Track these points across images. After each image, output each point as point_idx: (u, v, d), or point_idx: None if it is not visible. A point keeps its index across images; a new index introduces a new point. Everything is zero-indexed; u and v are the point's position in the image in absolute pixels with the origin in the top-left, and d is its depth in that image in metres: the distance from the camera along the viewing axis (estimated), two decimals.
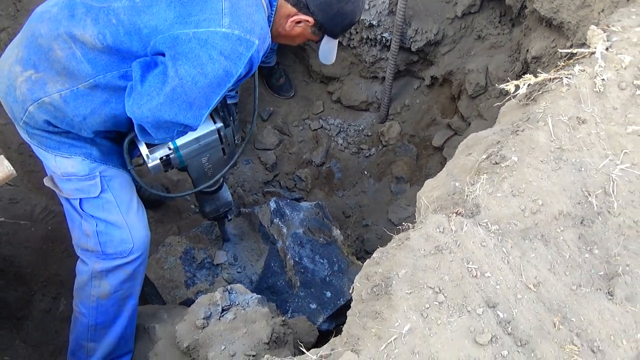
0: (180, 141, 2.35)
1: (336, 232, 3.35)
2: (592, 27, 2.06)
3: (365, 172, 4.18)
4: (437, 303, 1.50)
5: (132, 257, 2.48)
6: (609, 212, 1.67)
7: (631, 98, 1.85)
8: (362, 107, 4.30)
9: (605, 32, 2.02)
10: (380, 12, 3.77)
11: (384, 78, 4.02)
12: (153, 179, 3.66)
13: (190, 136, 2.34)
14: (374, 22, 3.79)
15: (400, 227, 1.79)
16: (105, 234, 2.42)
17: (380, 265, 1.62)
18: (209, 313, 2.35)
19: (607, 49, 1.97)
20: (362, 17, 3.76)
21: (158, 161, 2.36)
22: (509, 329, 1.48)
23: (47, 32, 2.10)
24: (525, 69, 3.31)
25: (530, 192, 1.69)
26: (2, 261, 3.15)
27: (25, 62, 2.15)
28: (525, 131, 1.81)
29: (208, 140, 2.42)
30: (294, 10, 2.26)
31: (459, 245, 1.59)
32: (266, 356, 1.61)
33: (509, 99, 2.07)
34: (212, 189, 2.76)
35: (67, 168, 2.31)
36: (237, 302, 2.42)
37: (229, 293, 2.45)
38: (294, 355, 2.34)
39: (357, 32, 3.90)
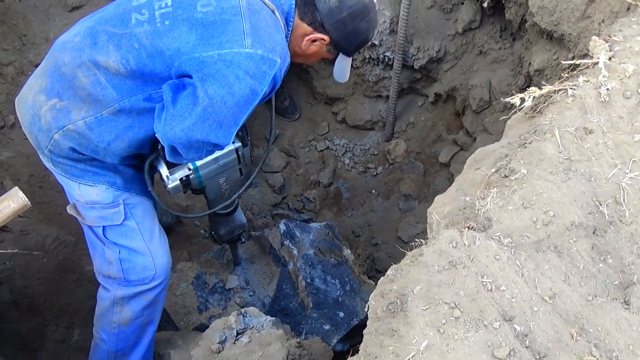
0: (199, 162, 2.36)
1: (347, 252, 3.34)
2: (594, 37, 2.06)
3: (373, 191, 4.18)
4: (454, 318, 1.50)
5: (154, 283, 2.50)
6: (620, 221, 1.66)
7: (637, 106, 1.86)
8: (367, 126, 4.31)
9: (607, 42, 2.03)
10: (381, 32, 3.79)
11: (387, 97, 4.04)
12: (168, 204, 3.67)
13: (209, 156, 2.35)
14: (376, 42, 3.82)
15: (411, 244, 1.78)
16: (128, 260, 2.44)
17: (394, 282, 1.61)
18: (224, 337, 2.35)
19: (609, 58, 1.97)
20: None
21: (178, 182, 2.37)
22: (527, 342, 1.47)
23: (70, 61, 2.14)
24: (529, 82, 3.31)
25: (541, 204, 1.68)
26: (15, 292, 3.15)
27: (49, 91, 2.18)
28: (533, 143, 1.81)
29: (227, 160, 2.43)
30: (309, 29, 2.30)
31: (472, 259, 1.59)
32: None
33: (515, 112, 2.08)
34: (228, 210, 2.77)
35: (91, 196, 2.32)
36: (251, 325, 2.42)
37: (243, 316, 2.44)
38: None
39: (359, 52, 3.92)
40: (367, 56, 3.93)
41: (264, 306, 3.14)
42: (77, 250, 3.34)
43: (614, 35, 2.05)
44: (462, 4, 3.78)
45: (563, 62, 2.16)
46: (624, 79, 1.91)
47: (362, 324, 1.77)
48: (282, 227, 3.30)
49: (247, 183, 2.58)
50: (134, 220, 2.42)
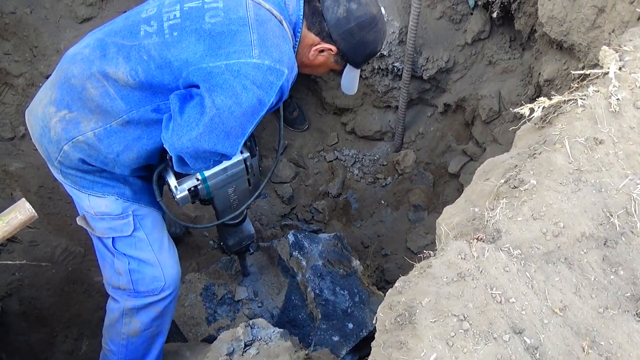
0: (208, 172, 2.36)
1: (355, 263, 3.33)
2: (604, 47, 2.05)
3: (382, 202, 4.17)
4: (463, 331, 1.48)
5: (164, 294, 2.49)
6: (632, 232, 1.65)
7: None
8: (376, 136, 4.31)
9: (617, 52, 2.02)
10: (390, 42, 3.80)
11: (397, 107, 4.04)
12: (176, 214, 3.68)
13: (217, 166, 2.36)
14: (385, 52, 3.82)
15: (420, 255, 1.77)
16: (137, 271, 2.44)
17: (403, 294, 1.60)
18: (232, 349, 2.34)
19: (620, 68, 1.96)
20: None
21: (186, 192, 2.37)
22: (537, 355, 1.45)
23: (79, 73, 2.15)
24: (538, 93, 3.30)
25: (551, 215, 1.67)
26: (24, 303, 3.16)
27: (59, 103, 2.20)
28: (543, 154, 1.80)
29: (235, 171, 2.43)
30: (317, 39, 2.29)
31: (481, 271, 1.58)
32: None
33: (524, 122, 2.06)
34: (237, 220, 2.76)
35: (100, 207, 2.33)
36: (259, 337, 2.41)
37: (251, 328, 2.44)
38: None
39: (368, 63, 3.92)
40: (376, 67, 3.94)
41: (273, 317, 3.14)
42: (85, 261, 3.35)
43: (624, 45, 2.04)
44: (472, 14, 3.78)
45: (573, 72, 2.14)
46: (634, 88, 1.89)
47: (371, 336, 1.75)
48: (291, 238, 3.30)
49: (256, 194, 2.58)
50: (143, 231, 2.43)
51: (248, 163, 2.45)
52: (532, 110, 1.98)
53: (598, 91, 1.91)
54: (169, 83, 2.09)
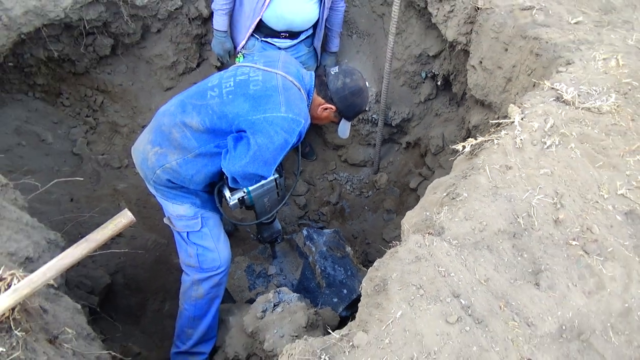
0: (251, 187, 2.37)
1: (348, 249, 3.31)
2: (511, 105, 2.06)
3: (366, 207, 4.16)
4: (419, 296, 1.47)
5: (220, 270, 2.51)
6: (532, 228, 1.64)
7: (541, 151, 1.84)
8: (361, 164, 4.30)
9: (520, 108, 2.02)
10: (370, 102, 3.81)
11: (374, 144, 4.04)
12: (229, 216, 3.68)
13: (257, 184, 2.36)
14: (367, 109, 3.83)
15: (391, 244, 1.76)
16: (202, 255, 2.46)
17: (379, 270, 1.60)
18: (265, 308, 2.32)
19: (522, 119, 1.96)
20: None
21: (236, 201, 2.39)
22: (469, 311, 1.44)
23: (168, 122, 2.21)
24: (469, 134, 3.30)
25: (477, 217, 1.66)
26: (127, 278, 3.15)
27: (154, 142, 2.25)
28: (471, 176, 1.80)
29: (269, 187, 2.43)
30: (323, 101, 2.33)
31: (431, 255, 1.57)
32: (304, 337, 1.58)
33: (459, 154, 2.07)
34: (269, 220, 2.76)
35: (179, 211, 2.37)
36: (284, 300, 2.39)
37: (278, 293, 2.42)
38: (324, 334, 2.29)
39: (357, 117, 3.93)
40: (361, 118, 3.95)
41: (293, 286, 3.11)
42: (168, 249, 3.35)
43: (524, 104, 2.04)
44: (423, 82, 3.79)
45: (491, 122, 2.14)
46: (531, 132, 1.89)
47: (359, 298, 1.74)
48: (305, 232, 3.29)
49: (282, 203, 2.58)
50: (208, 228, 2.44)
51: (278, 182, 2.45)
52: (464, 147, 1.99)
53: (507, 134, 1.91)
54: (225, 129, 2.13)
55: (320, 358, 1.36)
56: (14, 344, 1.37)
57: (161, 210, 2.74)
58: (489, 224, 1.65)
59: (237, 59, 3.23)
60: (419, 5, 3.37)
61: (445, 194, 1.80)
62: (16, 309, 1.43)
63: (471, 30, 3.00)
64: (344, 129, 2.50)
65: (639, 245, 1.60)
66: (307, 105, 2.28)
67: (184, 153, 2.20)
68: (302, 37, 3.22)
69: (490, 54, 2.80)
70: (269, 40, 3.14)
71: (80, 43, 3.41)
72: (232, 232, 3.72)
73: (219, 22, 3.09)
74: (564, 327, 1.44)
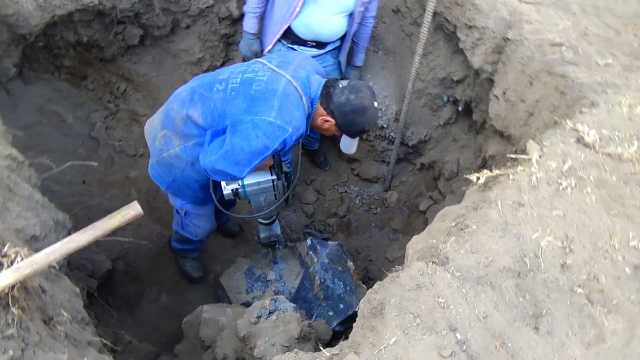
0: (246, 181, 2.34)
1: (350, 264, 3.29)
2: (531, 141, 2.04)
3: (373, 224, 4.13)
4: (415, 324, 1.45)
5: (196, 240, 2.90)
6: (538, 270, 1.61)
7: (556, 191, 1.81)
8: (373, 180, 4.28)
9: (539, 145, 2.00)
10: (389, 119, 3.80)
11: (389, 162, 4.02)
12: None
13: (253, 179, 2.34)
14: (385, 125, 3.82)
15: (393, 268, 1.75)
16: (189, 227, 2.81)
17: (378, 293, 1.58)
18: (260, 314, 2.31)
19: (540, 156, 1.94)
20: (378, 122, 3.79)
21: (230, 191, 2.36)
22: (464, 347, 1.42)
23: (175, 108, 2.26)
24: (484, 164, 3.27)
25: (484, 251, 1.64)
26: (127, 265, 3.16)
27: (163, 125, 2.32)
28: (482, 209, 1.78)
29: (265, 186, 2.40)
30: (324, 112, 2.27)
31: (433, 284, 1.55)
32: (295, 350, 1.57)
33: (473, 185, 2.05)
34: (267, 221, 2.74)
35: (170, 198, 2.62)
36: (279, 308, 2.38)
37: (275, 301, 2.41)
38: (315, 348, 2.27)
39: (373, 131, 3.92)
40: (378, 134, 3.93)
41: (290, 294, 3.10)
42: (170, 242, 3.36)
43: (544, 141, 2.02)
44: (444, 106, 3.77)
45: (508, 155, 2.12)
46: (548, 171, 1.87)
47: (355, 315, 1.71)
48: (309, 242, 3.27)
49: (278, 203, 2.52)
50: (198, 212, 2.63)
51: (275, 184, 2.41)
52: (478, 178, 1.97)
53: (524, 170, 1.89)
54: (220, 125, 2.15)
55: None
56: (9, 321, 1.38)
57: (169, 204, 2.75)
58: (494, 260, 1.62)
59: None
60: (448, 29, 3.36)
61: (454, 224, 1.79)
62: (16, 287, 1.44)
63: (498, 60, 2.99)
64: (347, 144, 2.44)
65: None
66: (309, 115, 2.25)
67: (185, 140, 2.26)
68: (329, 48, 3.23)
69: (515, 86, 2.78)
70: (295, 47, 3.15)
71: (110, 31, 3.46)
72: (238, 233, 3.72)
73: (249, 24, 3.11)
74: None
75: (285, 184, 2.54)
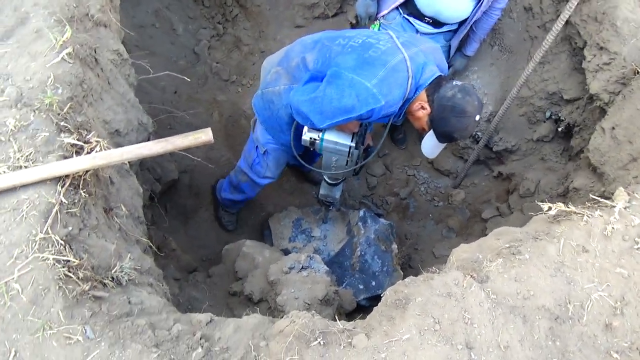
0: (326, 136, 2.35)
1: (394, 246, 3.27)
2: (621, 188, 1.87)
3: (430, 215, 4.06)
4: (433, 330, 1.44)
5: (259, 179, 2.90)
6: (578, 320, 1.53)
7: (628, 249, 1.68)
8: (445, 173, 4.16)
9: (629, 195, 1.84)
10: (481, 118, 3.59)
11: (466, 160, 3.88)
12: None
13: (333, 137, 2.35)
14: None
15: (438, 261, 1.73)
16: (257, 163, 2.83)
17: (407, 287, 1.58)
18: (293, 266, 2.39)
19: (625, 207, 1.79)
20: None
21: (308, 138, 2.37)
22: None
23: (296, 51, 2.34)
24: (566, 193, 3.07)
25: (528, 283, 1.58)
26: (192, 180, 3.34)
27: (279, 62, 2.40)
28: (542, 241, 1.69)
29: (340, 148, 2.39)
30: (425, 98, 2.19)
31: (464, 297, 1.52)
32: (312, 311, 1.62)
33: (541, 213, 1.93)
34: (332, 182, 2.77)
35: (258, 132, 2.68)
36: (313, 267, 2.44)
37: (310, 259, 2.47)
38: (334, 315, 2.33)
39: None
40: None
41: (329, 255, 3.15)
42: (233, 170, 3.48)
43: (636, 193, 1.85)
44: (544, 122, 3.53)
45: (592, 196, 1.97)
46: (628, 226, 1.72)
47: (381, 297, 1.73)
48: (361, 213, 3.29)
49: (347, 171, 2.50)
50: (270, 157, 2.72)
51: (351, 151, 2.40)
52: (550, 208, 1.86)
53: (602, 216, 1.76)
54: (324, 72, 2.14)
55: (316, 340, 1.39)
56: (76, 200, 1.52)
57: (245, 135, 2.85)
58: (536, 295, 1.55)
59: (373, 26, 3.17)
60: (576, 43, 3.09)
61: (507, 245, 1.72)
62: (89, 172, 1.58)
63: (619, 91, 2.72)
64: (430, 145, 2.34)
65: None
66: (409, 98, 2.18)
67: (292, 81, 2.29)
68: (445, 29, 3.09)
69: (628, 124, 2.54)
70: (411, 19, 3.05)
71: None
72: (308, 176, 3.77)
73: None
74: None
75: (362, 155, 2.51)
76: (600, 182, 2.69)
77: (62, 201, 1.46)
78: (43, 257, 1.35)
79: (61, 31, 1.79)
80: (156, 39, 3.66)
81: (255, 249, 2.71)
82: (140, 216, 2.08)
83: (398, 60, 2.09)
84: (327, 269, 2.50)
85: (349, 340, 1.41)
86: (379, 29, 3.14)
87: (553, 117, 3.45)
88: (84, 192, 1.55)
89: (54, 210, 1.42)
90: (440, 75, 2.20)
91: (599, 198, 1.87)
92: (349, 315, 2.70)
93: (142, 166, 2.63)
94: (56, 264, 1.36)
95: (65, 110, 1.64)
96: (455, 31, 3.14)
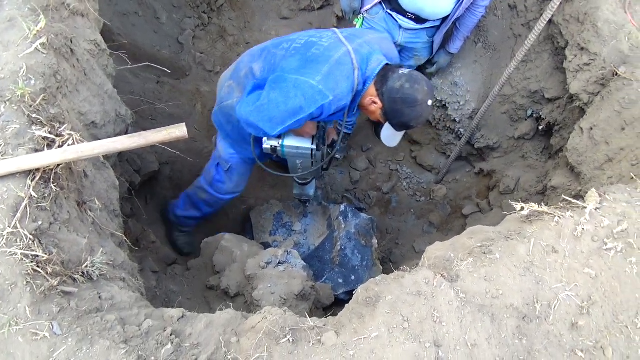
0: (286, 143, 2.37)
1: (374, 241, 3.29)
2: (593, 190, 1.90)
3: (412, 210, 4.09)
4: (402, 328, 1.46)
5: (220, 197, 2.86)
6: (545, 319, 1.56)
7: (597, 250, 1.71)
8: (428, 168, 4.19)
9: (600, 197, 1.87)
10: (463, 115, 3.65)
11: (449, 156, 3.91)
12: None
13: (293, 142, 2.36)
14: (457, 119, 3.68)
15: (419, 256, 1.74)
16: (217, 181, 2.79)
17: (378, 285, 1.59)
18: (270, 260, 2.39)
19: (596, 209, 1.82)
20: (449, 114, 3.66)
21: (269, 147, 2.40)
22: None
23: (244, 62, 2.33)
24: (544, 191, 3.11)
25: (497, 283, 1.60)
26: (173, 172, 3.32)
27: (231, 76, 2.38)
28: (513, 241, 1.71)
29: (303, 152, 2.41)
30: (375, 93, 2.19)
31: (433, 296, 1.54)
32: (285, 308, 1.63)
33: (514, 213, 1.96)
34: (302, 182, 2.81)
35: (220, 147, 2.62)
36: (290, 262, 2.45)
37: (287, 254, 2.48)
38: (310, 309, 2.34)
39: (444, 122, 3.79)
40: (448, 126, 3.80)
41: (309, 249, 3.17)
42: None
43: (608, 195, 1.88)
44: (526, 120, 3.56)
45: (564, 197, 1.99)
46: (598, 227, 1.75)
47: None
48: (342, 207, 3.30)
49: (312, 169, 2.54)
50: (233, 173, 2.70)
51: (313, 153, 2.42)
52: (522, 209, 1.88)
53: (573, 217, 1.78)
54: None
55: (286, 337, 1.40)
56: (47, 194, 1.51)
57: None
58: (504, 294, 1.58)
59: (356, 20, 3.17)
60: (558, 42, 3.11)
61: (479, 245, 1.74)
62: (60, 166, 1.56)
63: (598, 92, 2.76)
64: (388, 135, 2.34)
65: None
66: (359, 91, 2.17)
67: (243, 93, 2.25)
68: (427, 25, 3.09)
69: (605, 125, 2.57)
70: (393, 14, 3.04)
71: None
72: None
73: None
74: None
75: (327, 152, 2.52)
76: (577, 181, 2.73)
77: (31, 195, 1.44)
78: (11, 252, 1.34)
79: (35, 20, 1.76)
80: (139, 27, 3.61)
81: (233, 243, 2.71)
82: (116, 209, 2.06)
83: (342, 54, 2.08)
84: (304, 264, 2.51)
85: (318, 337, 1.42)
86: (362, 24, 3.13)
87: (534, 115, 3.48)
88: (55, 185, 1.53)
89: (23, 205, 1.41)
90: (387, 64, 2.18)
91: (570, 199, 1.90)
92: (327, 309, 2.72)
93: (122, 157, 2.61)
94: (24, 259, 1.35)
95: (37, 102, 1.61)
96: (437, 27, 3.14)
